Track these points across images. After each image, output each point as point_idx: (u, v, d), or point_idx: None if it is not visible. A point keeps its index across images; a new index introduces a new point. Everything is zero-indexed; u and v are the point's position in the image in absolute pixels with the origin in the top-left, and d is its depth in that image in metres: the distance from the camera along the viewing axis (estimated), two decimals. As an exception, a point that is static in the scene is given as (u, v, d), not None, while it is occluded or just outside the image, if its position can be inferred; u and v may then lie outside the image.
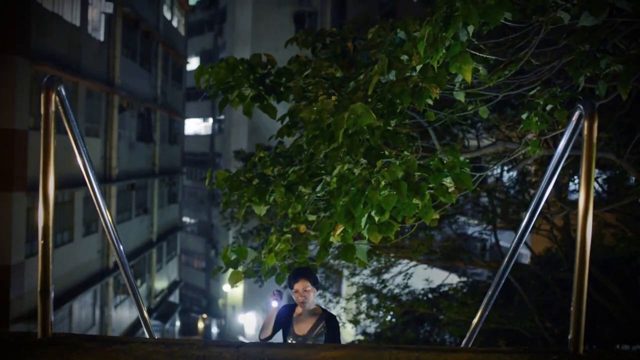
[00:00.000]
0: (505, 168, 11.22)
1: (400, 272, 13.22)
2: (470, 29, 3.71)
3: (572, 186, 11.18)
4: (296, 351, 2.83)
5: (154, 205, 26.26)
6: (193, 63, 42.21)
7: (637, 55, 4.19)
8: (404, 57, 4.43)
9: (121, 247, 3.28)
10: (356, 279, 14.32)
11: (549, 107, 4.50)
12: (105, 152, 19.75)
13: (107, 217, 3.14)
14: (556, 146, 2.92)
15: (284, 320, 4.62)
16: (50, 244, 2.71)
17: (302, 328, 4.56)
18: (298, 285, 4.57)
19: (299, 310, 4.62)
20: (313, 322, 4.57)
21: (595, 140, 2.55)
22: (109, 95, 19.87)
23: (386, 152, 4.81)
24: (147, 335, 3.59)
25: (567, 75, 4.85)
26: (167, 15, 29.04)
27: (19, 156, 13.32)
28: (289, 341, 4.53)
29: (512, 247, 3.06)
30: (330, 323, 4.57)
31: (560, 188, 10.65)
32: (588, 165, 2.56)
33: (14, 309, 13.22)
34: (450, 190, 4.36)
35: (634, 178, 7.70)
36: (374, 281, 13.99)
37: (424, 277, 14.18)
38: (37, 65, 13.95)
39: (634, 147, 6.08)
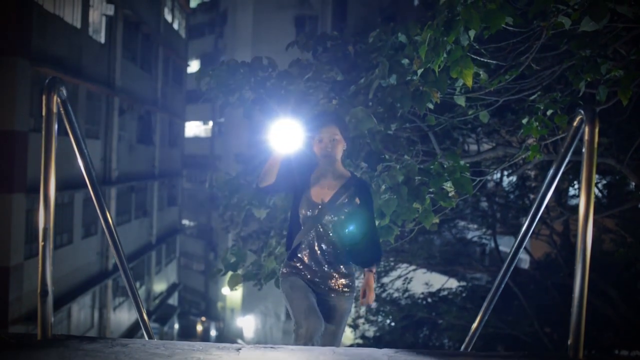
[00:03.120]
0: (505, 173, 11.22)
1: (399, 276, 13.19)
2: (472, 33, 3.72)
3: (572, 191, 11.18)
4: (297, 354, 2.83)
5: (153, 207, 26.24)
6: (194, 66, 42.25)
7: (638, 61, 4.20)
8: (405, 61, 4.44)
9: (121, 249, 3.28)
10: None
11: (549, 112, 4.51)
12: (105, 154, 19.75)
13: (107, 218, 3.14)
14: (556, 151, 2.93)
15: (299, 175, 3.51)
16: (50, 246, 2.71)
17: (321, 193, 3.47)
18: (323, 133, 3.44)
19: (320, 168, 3.52)
20: (338, 186, 3.47)
21: (595, 146, 2.56)
22: (109, 97, 19.88)
23: (386, 156, 4.82)
24: (146, 338, 3.58)
25: (567, 80, 4.86)
26: (168, 17, 29.06)
27: (19, 158, 13.32)
28: (303, 212, 3.48)
29: (511, 252, 3.07)
30: (360, 190, 3.49)
31: (560, 193, 10.64)
32: (588, 171, 2.56)
33: (13, 310, 13.20)
34: (450, 194, 4.37)
35: (634, 184, 7.70)
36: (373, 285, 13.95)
37: (423, 281, 14.15)
38: (38, 67, 13.95)
39: (634, 152, 6.08)
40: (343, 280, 3.59)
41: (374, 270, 3.63)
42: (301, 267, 3.54)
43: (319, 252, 3.50)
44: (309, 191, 3.50)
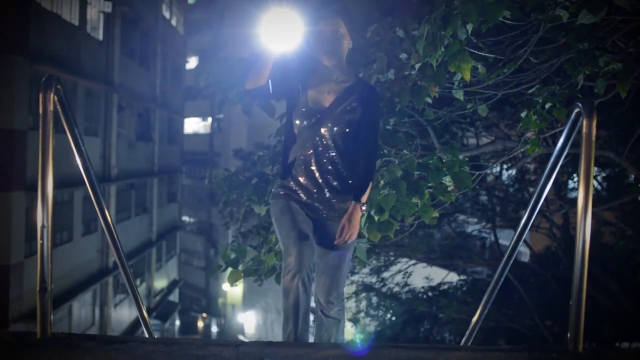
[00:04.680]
0: (505, 166, 11.22)
1: (399, 271, 13.22)
2: (469, 27, 3.71)
3: (571, 184, 11.19)
4: (296, 350, 2.83)
5: (153, 204, 26.24)
6: (192, 62, 42.20)
7: (636, 53, 4.19)
8: (403, 56, 4.43)
9: (120, 248, 3.28)
10: (355, 278, 14.32)
11: (547, 106, 4.50)
12: (105, 151, 19.74)
13: (106, 217, 3.14)
14: (555, 144, 2.92)
15: (295, 75, 2.98)
16: (49, 244, 2.70)
17: (320, 98, 2.96)
18: (325, 26, 2.90)
19: (320, 69, 3.01)
20: (340, 90, 2.96)
21: (594, 139, 2.56)
22: (108, 95, 19.87)
23: (385, 151, 4.81)
24: (146, 335, 3.59)
25: (566, 74, 4.85)
26: (166, 14, 29.01)
27: (18, 156, 13.32)
28: (298, 121, 2.98)
29: (511, 245, 3.07)
30: (367, 96, 2.97)
31: (560, 186, 10.65)
32: (587, 163, 2.56)
33: (13, 308, 13.21)
34: (449, 189, 4.36)
35: (633, 176, 7.70)
36: (374, 280, 13.99)
37: (424, 275, 14.18)
38: (37, 65, 13.93)
39: (633, 145, 6.08)
40: (345, 205, 3.02)
41: (363, 199, 2.97)
42: (296, 187, 3.03)
43: (317, 170, 2.98)
44: (305, 96, 2.97)
